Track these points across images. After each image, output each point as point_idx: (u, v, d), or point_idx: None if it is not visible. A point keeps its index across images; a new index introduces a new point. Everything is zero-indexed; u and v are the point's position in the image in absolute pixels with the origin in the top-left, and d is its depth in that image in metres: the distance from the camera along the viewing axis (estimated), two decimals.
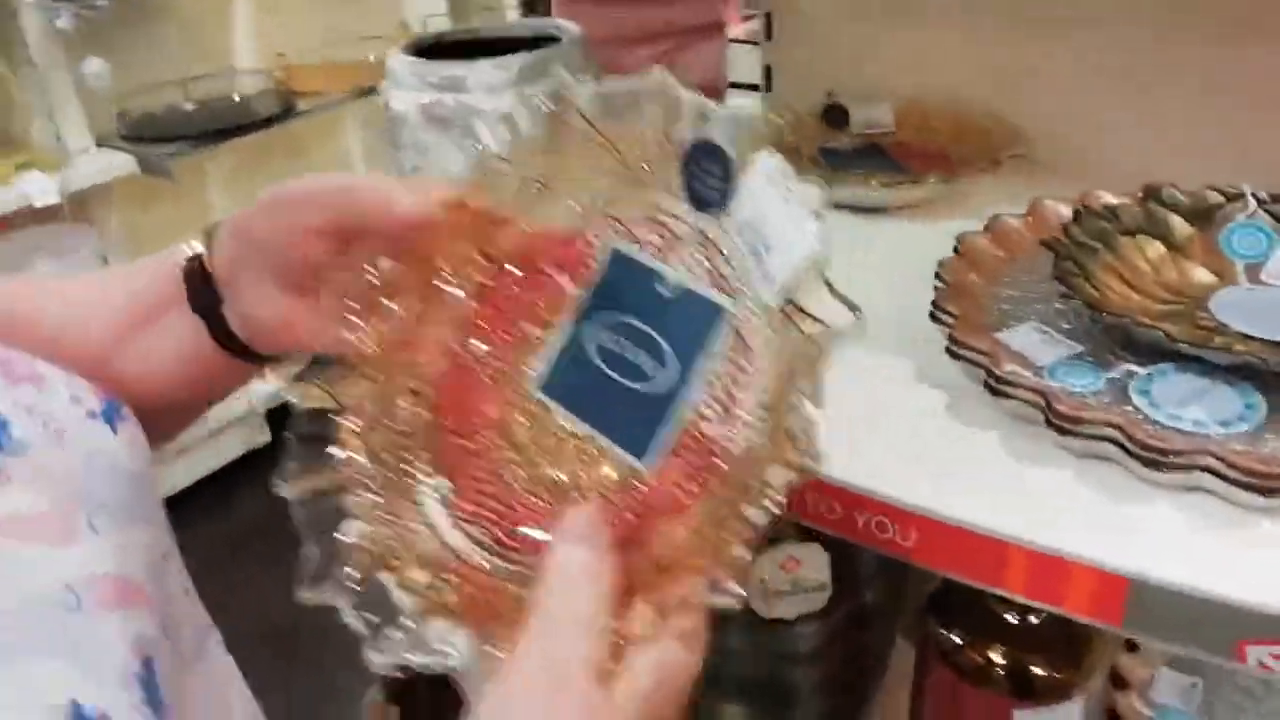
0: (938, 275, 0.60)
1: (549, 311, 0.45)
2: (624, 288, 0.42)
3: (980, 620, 0.55)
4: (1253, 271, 0.58)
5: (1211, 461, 0.44)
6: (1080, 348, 0.54)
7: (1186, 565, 0.42)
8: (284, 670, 1.42)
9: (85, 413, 0.43)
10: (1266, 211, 0.59)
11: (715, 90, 0.95)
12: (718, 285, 0.39)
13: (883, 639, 0.71)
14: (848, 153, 0.84)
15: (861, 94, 0.87)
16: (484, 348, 0.46)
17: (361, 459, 0.45)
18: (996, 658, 0.55)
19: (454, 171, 0.68)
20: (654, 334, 0.41)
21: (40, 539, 0.38)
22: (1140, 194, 0.62)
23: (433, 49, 0.76)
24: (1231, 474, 0.43)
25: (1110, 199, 0.63)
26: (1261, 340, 0.51)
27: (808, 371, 0.35)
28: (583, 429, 0.43)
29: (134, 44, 1.91)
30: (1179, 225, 0.60)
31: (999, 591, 0.46)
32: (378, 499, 0.44)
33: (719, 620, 0.67)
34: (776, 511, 0.35)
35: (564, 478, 0.43)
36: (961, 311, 0.56)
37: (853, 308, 0.33)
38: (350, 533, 0.43)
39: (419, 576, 0.42)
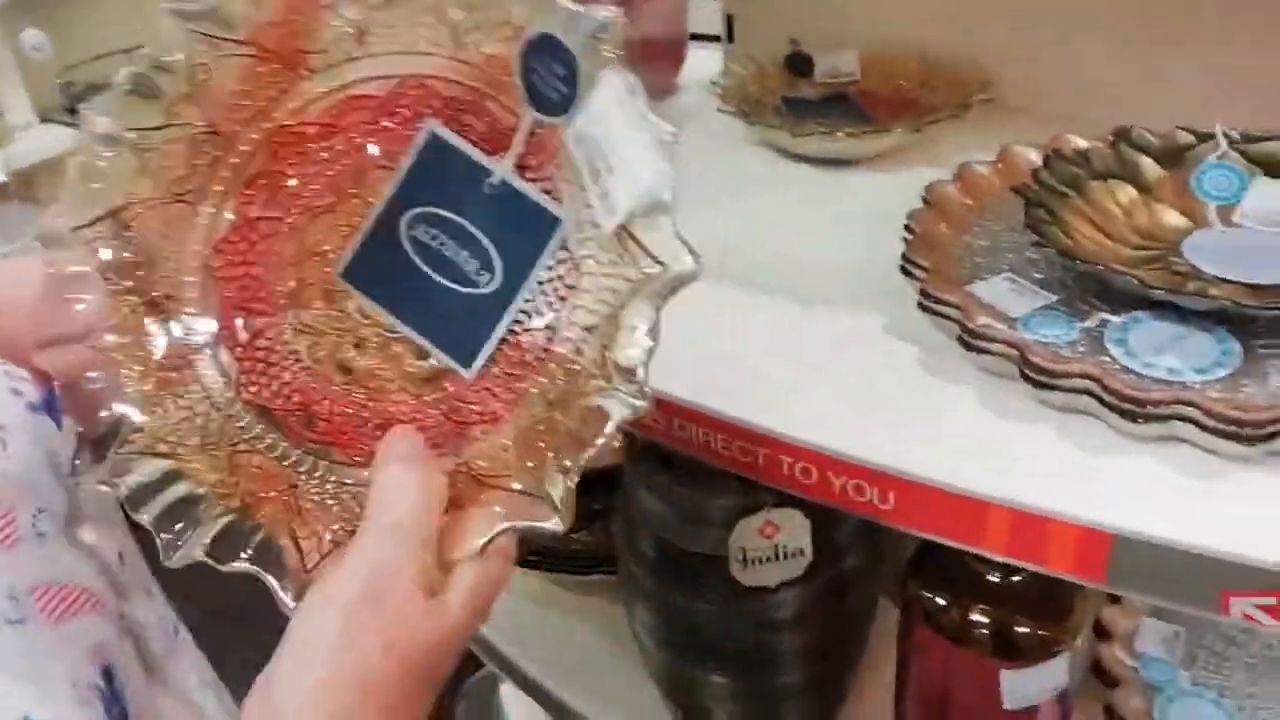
0: (907, 227, 0.58)
1: (354, 184, 0.42)
2: (443, 177, 0.39)
3: (962, 581, 0.54)
4: (1224, 213, 0.56)
5: (1189, 411, 0.43)
6: (1053, 297, 0.52)
7: (1168, 518, 0.41)
8: (254, 653, 1.41)
9: (26, 405, 0.42)
10: (1238, 151, 0.58)
11: (677, 41, 0.92)
12: (547, 192, 0.37)
13: (866, 603, 0.71)
14: (813, 102, 0.82)
15: (826, 42, 0.85)
16: (275, 212, 0.42)
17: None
18: (980, 618, 0.54)
19: None
20: (478, 234, 0.38)
21: None
22: (1111, 137, 0.61)
23: None
24: (1210, 423, 0.42)
25: (1081, 143, 0.62)
26: (1235, 284, 0.50)
27: (642, 307, 0.34)
28: (392, 323, 0.40)
29: (73, 13, 1.85)
30: (1150, 168, 0.59)
31: (980, 552, 0.45)
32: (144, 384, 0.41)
33: (698, 589, 0.65)
34: (599, 444, 0.34)
35: (363, 364, 0.41)
36: (932, 264, 0.54)
37: (693, 254, 0.32)
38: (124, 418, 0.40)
39: (206, 472, 0.40)
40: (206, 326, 0.42)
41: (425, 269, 0.39)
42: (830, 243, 0.65)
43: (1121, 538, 0.41)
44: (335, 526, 0.39)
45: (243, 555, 0.38)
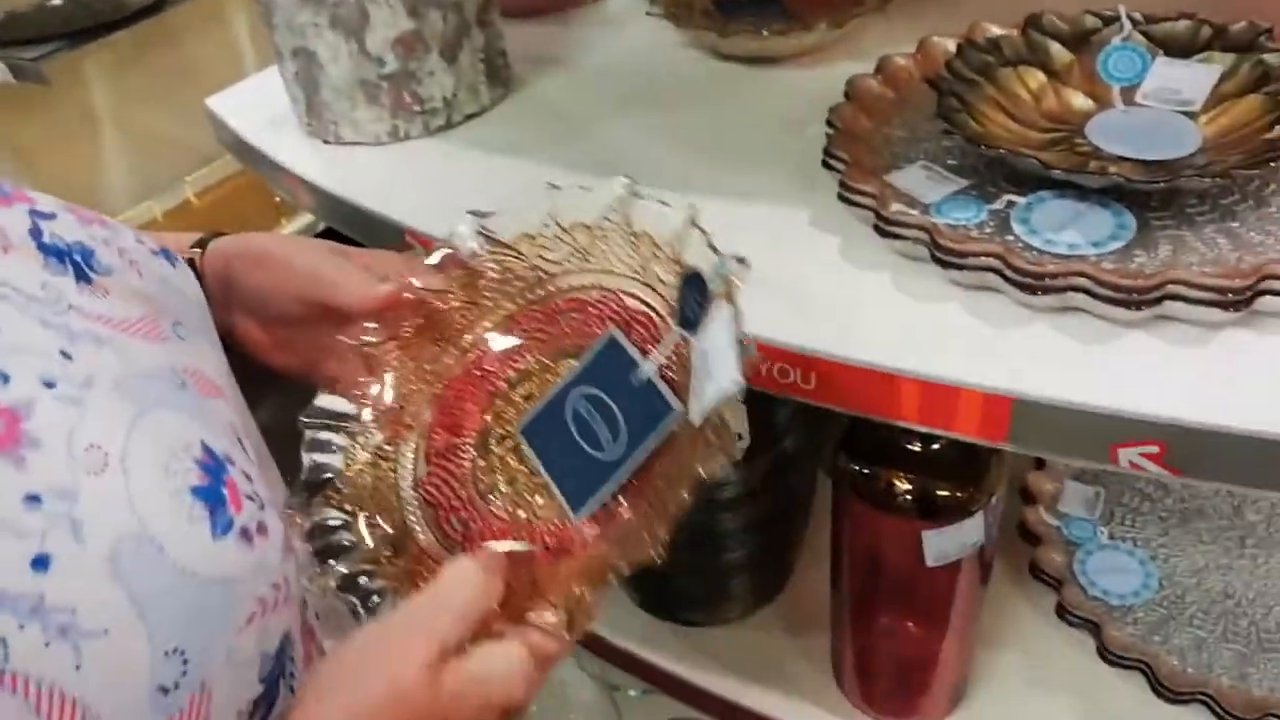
0: (828, 121, 0.60)
1: (552, 360, 0.54)
2: (609, 367, 0.50)
3: (887, 452, 0.58)
4: (1128, 94, 0.59)
5: (1083, 281, 0.46)
6: (965, 183, 0.55)
7: (1063, 381, 0.45)
8: None
9: (149, 250, 0.49)
10: (1141, 33, 0.60)
11: None
12: (672, 388, 0.47)
13: (805, 481, 0.75)
14: (741, 3, 0.82)
15: None
16: (494, 368, 0.55)
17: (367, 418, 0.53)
18: (903, 485, 0.58)
19: (324, 56, 0.67)
20: (617, 412, 0.48)
21: (143, 336, 0.44)
22: (1023, 24, 0.63)
23: None
24: (1101, 291, 0.46)
25: (996, 30, 0.64)
26: (1132, 161, 0.54)
27: (691, 476, 0.42)
28: (539, 471, 0.51)
29: None
30: (1059, 53, 0.61)
31: (896, 422, 0.49)
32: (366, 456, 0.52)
33: None
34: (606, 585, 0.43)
35: (508, 492, 0.52)
36: (852, 156, 0.57)
37: (743, 435, 0.42)
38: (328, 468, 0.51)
39: (380, 529, 0.50)
40: (426, 415, 0.54)
41: (575, 434, 0.49)
42: (758, 140, 0.68)
43: (1020, 401, 0.45)
44: None
45: (360, 599, 0.46)
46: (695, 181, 0.63)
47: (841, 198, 0.54)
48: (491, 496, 0.52)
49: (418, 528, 0.51)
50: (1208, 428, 0.42)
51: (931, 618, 0.65)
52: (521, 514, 0.51)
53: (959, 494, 0.58)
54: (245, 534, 0.40)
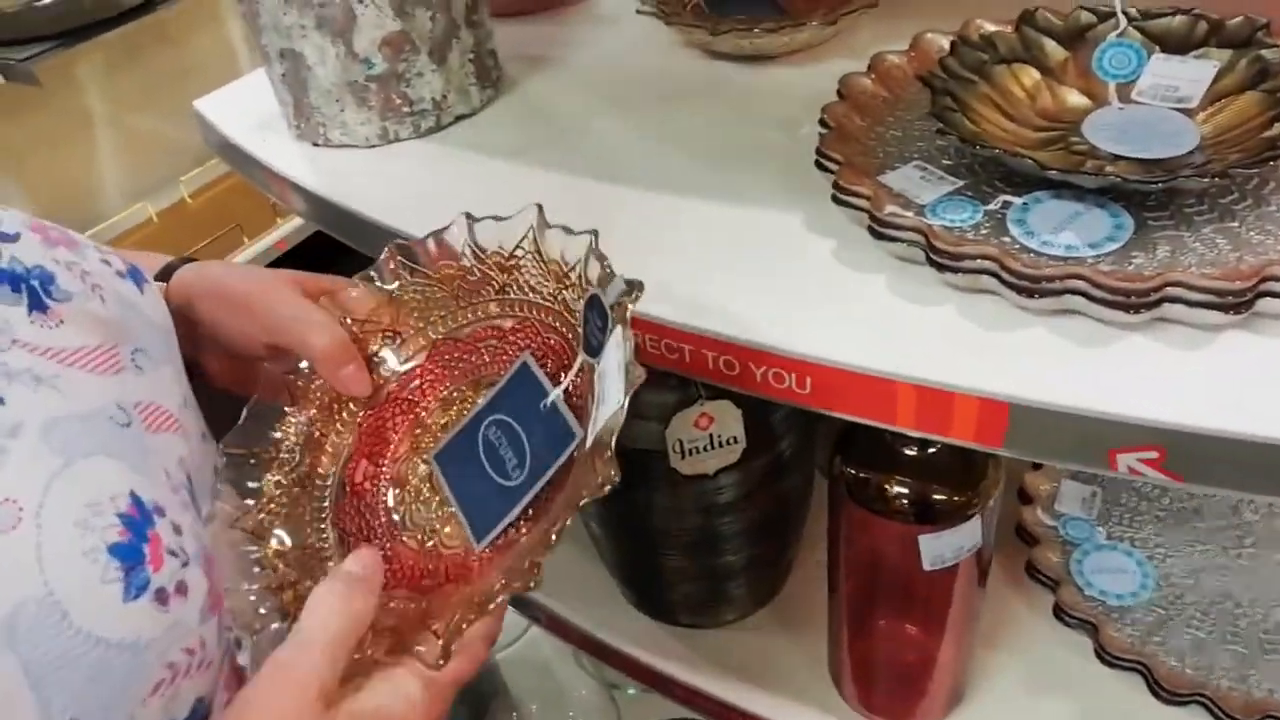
0: (821, 120, 0.59)
1: (471, 388, 0.54)
2: (520, 395, 0.50)
3: (883, 457, 0.58)
4: (1124, 91, 0.58)
5: (1080, 284, 0.45)
6: (960, 183, 0.55)
7: (1060, 386, 0.44)
8: None
9: (114, 272, 0.48)
10: (1137, 28, 0.59)
11: None
12: (578, 414, 0.47)
13: (801, 484, 0.74)
14: (732, 1, 0.82)
15: None
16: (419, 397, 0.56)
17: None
18: (899, 490, 0.58)
19: (311, 58, 0.67)
20: (525, 439, 0.49)
21: (94, 369, 0.43)
22: (1017, 20, 0.62)
23: None
24: (1098, 294, 0.45)
25: (990, 27, 0.63)
26: (1129, 160, 0.53)
27: (577, 505, 0.41)
28: (449, 495, 0.51)
29: None
30: (1053, 49, 0.60)
31: (891, 428, 0.48)
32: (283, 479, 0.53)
33: (642, 481, 0.69)
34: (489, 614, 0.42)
35: (421, 523, 0.52)
36: (846, 156, 0.56)
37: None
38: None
39: (290, 559, 0.50)
40: (347, 444, 0.54)
41: (484, 462, 0.50)
42: (751, 140, 0.67)
43: (1017, 406, 0.44)
44: None
45: (257, 603, 0.46)
46: (687, 182, 0.62)
47: (835, 199, 0.54)
48: (406, 526, 0.52)
49: (331, 560, 0.50)
50: (1208, 432, 0.41)
51: (929, 621, 0.65)
52: (430, 544, 0.51)
53: (956, 498, 0.57)
54: (161, 595, 0.39)
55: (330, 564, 0.50)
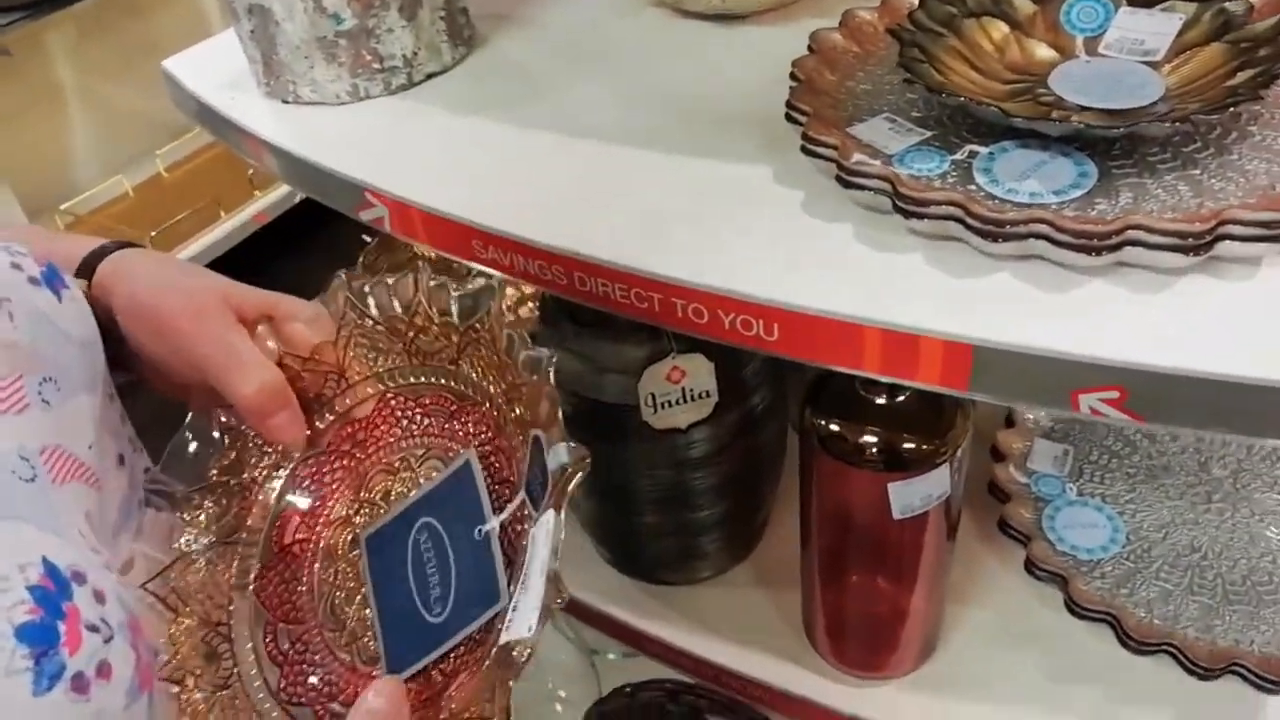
0: (792, 75, 0.60)
1: (413, 465, 0.48)
2: (457, 498, 0.43)
3: (852, 407, 0.58)
4: (1091, 45, 0.59)
5: (1043, 228, 0.46)
6: (928, 134, 0.55)
7: (1024, 328, 0.44)
8: None
9: (27, 279, 0.43)
10: None
11: None
12: (510, 551, 0.41)
13: (775, 438, 0.75)
14: None
15: None
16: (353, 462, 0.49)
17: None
18: (869, 439, 0.58)
19: (279, 13, 0.66)
20: (453, 565, 0.42)
21: None
22: None
23: None
24: (1061, 237, 0.46)
25: None
26: (1094, 110, 0.53)
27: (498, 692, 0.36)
28: (371, 601, 0.44)
29: None
30: (1022, 4, 0.61)
31: (858, 373, 0.48)
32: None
33: (614, 436, 0.69)
34: None
35: (342, 617, 0.46)
36: (815, 109, 0.56)
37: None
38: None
39: (195, 636, 0.44)
40: (275, 495, 0.49)
41: (409, 575, 0.43)
42: (721, 96, 0.67)
43: (981, 348, 0.45)
44: None
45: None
46: (657, 137, 0.62)
47: (804, 150, 0.54)
48: (330, 614, 0.46)
49: (243, 640, 0.45)
50: (1167, 371, 0.42)
51: (900, 572, 0.65)
52: (346, 657, 0.45)
53: (924, 446, 0.58)
54: (79, 681, 0.34)
55: (227, 649, 0.44)
